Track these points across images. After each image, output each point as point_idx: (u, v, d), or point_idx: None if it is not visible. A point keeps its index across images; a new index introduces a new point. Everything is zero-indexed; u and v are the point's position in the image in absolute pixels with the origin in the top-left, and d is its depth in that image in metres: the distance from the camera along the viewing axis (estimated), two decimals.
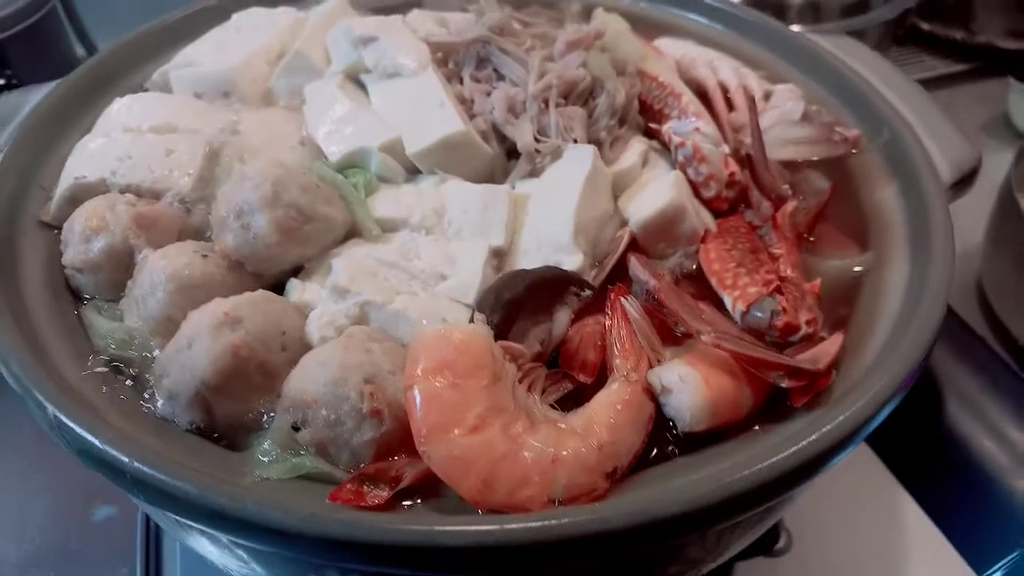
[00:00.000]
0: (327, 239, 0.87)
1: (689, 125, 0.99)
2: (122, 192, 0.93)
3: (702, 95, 1.12)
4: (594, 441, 0.71)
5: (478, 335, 0.73)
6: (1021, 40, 2.09)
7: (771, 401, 0.78)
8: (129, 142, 0.97)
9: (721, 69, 1.16)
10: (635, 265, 0.87)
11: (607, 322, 0.81)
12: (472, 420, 0.69)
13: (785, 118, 1.09)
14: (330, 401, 0.71)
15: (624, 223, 0.94)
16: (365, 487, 0.69)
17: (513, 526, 0.63)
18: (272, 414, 0.76)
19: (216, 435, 0.76)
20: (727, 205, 0.98)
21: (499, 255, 0.90)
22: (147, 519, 1.19)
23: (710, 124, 1.02)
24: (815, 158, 1.06)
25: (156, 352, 0.81)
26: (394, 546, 0.63)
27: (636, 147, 1.02)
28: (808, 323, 0.81)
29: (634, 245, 0.92)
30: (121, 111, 1.03)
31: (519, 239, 0.90)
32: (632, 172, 0.99)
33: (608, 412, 0.74)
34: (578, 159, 0.93)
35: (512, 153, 0.98)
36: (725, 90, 1.13)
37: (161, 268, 0.82)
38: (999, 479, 1.20)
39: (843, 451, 0.70)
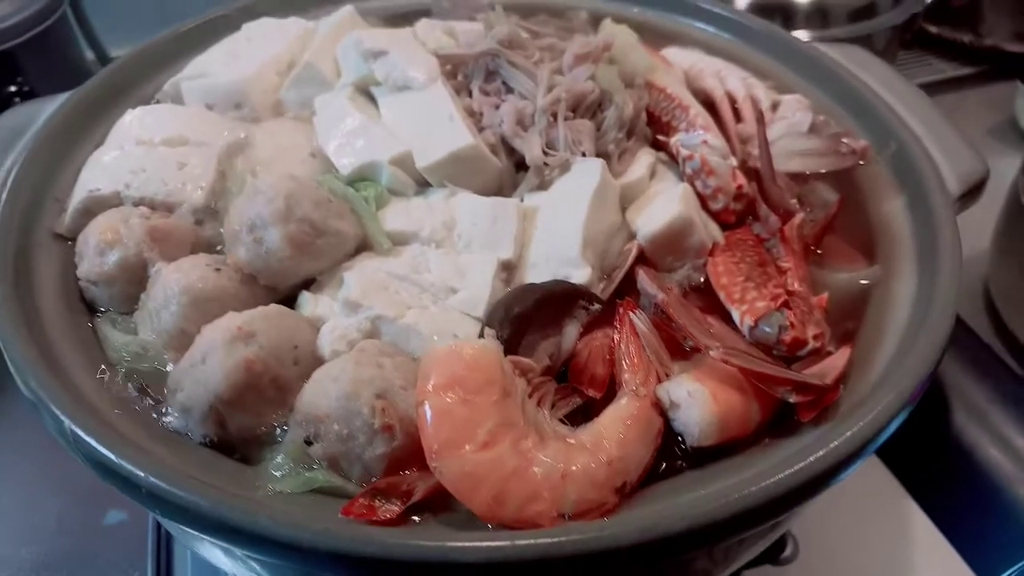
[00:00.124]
0: (339, 253, 0.88)
1: (697, 138, 0.99)
2: (135, 205, 0.94)
3: (709, 105, 1.12)
4: (603, 456, 0.72)
5: (488, 351, 0.74)
6: None
7: (779, 415, 0.79)
8: (142, 155, 0.97)
9: (728, 79, 1.16)
10: (643, 279, 0.87)
11: (616, 336, 0.82)
12: (483, 436, 0.69)
13: (793, 130, 1.09)
14: (342, 416, 0.72)
15: (632, 235, 0.95)
16: (377, 501, 0.70)
17: (524, 542, 0.64)
18: (285, 428, 0.77)
19: (229, 448, 0.77)
20: (735, 218, 0.98)
21: (508, 268, 0.90)
22: (158, 524, 1.19)
23: (718, 136, 1.02)
24: (823, 170, 1.07)
25: (169, 365, 0.82)
26: (406, 562, 0.64)
27: (644, 159, 1.02)
28: (815, 338, 0.81)
29: (642, 258, 0.93)
30: (133, 123, 1.03)
31: (528, 252, 0.91)
32: (640, 184, 0.99)
33: (617, 427, 0.74)
34: (587, 172, 0.93)
35: (521, 166, 0.98)
36: (733, 100, 1.13)
37: (175, 281, 0.83)
38: (1006, 488, 1.20)
39: (850, 467, 0.71)
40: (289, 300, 0.87)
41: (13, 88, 1.63)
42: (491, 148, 0.97)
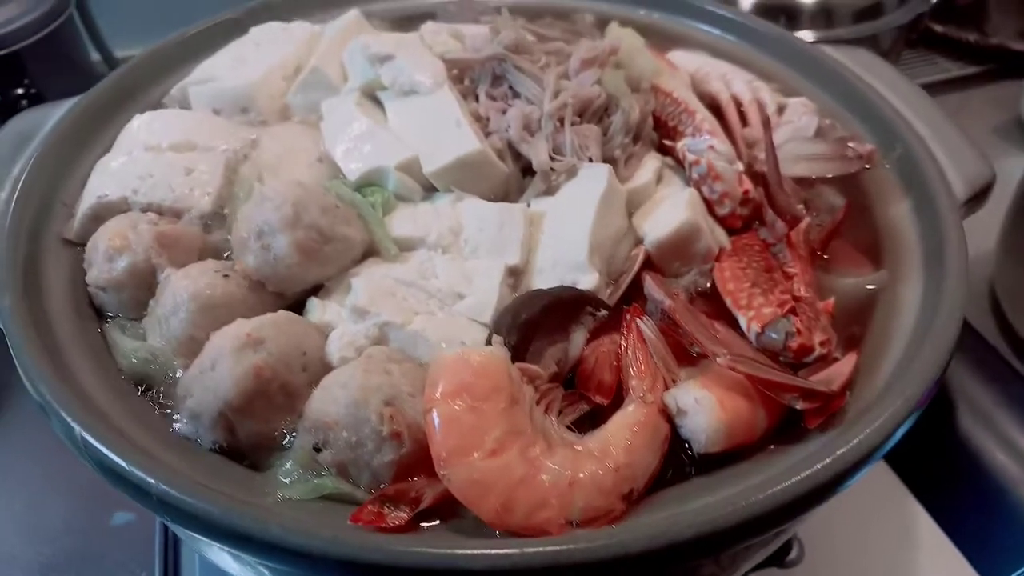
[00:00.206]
0: (346, 259, 0.88)
1: (703, 143, 0.99)
2: (144, 210, 0.94)
3: (715, 109, 1.12)
4: (611, 463, 0.72)
5: (496, 358, 0.74)
6: None
7: (785, 421, 0.79)
8: (150, 160, 0.98)
9: (734, 82, 1.16)
10: (650, 284, 0.88)
11: (623, 343, 0.82)
12: (491, 443, 0.70)
13: (799, 134, 1.09)
14: (351, 423, 0.73)
15: (638, 241, 0.95)
16: (385, 508, 0.70)
17: (532, 550, 0.64)
18: (294, 434, 0.77)
19: (239, 455, 0.77)
20: (741, 223, 0.98)
21: (515, 274, 0.90)
22: (165, 525, 1.20)
23: (724, 141, 1.02)
24: (829, 175, 1.06)
25: (179, 372, 0.82)
26: (415, 569, 0.64)
27: (650, 164, 1.02)
28: (822, 344, 0.81)
29: (649, 263, 0.93)
30: (141, 128, 1.04)
31: (534, 258, 0.91)
32: (646, 189, 0.99)
33: (624, 434, 0.75)
34: (593, 178, 0.94)
35: (527, 171, 0.99)
36: (738, 104, 1.13)
37: (183, 288, 0.83)
38: (1011, 491, 1.20)
39: (857, 474, 0.71)
40: (297, 306, 0.88)
41: (20, 90, 1.63)
42: (498, 153, 0.97)
